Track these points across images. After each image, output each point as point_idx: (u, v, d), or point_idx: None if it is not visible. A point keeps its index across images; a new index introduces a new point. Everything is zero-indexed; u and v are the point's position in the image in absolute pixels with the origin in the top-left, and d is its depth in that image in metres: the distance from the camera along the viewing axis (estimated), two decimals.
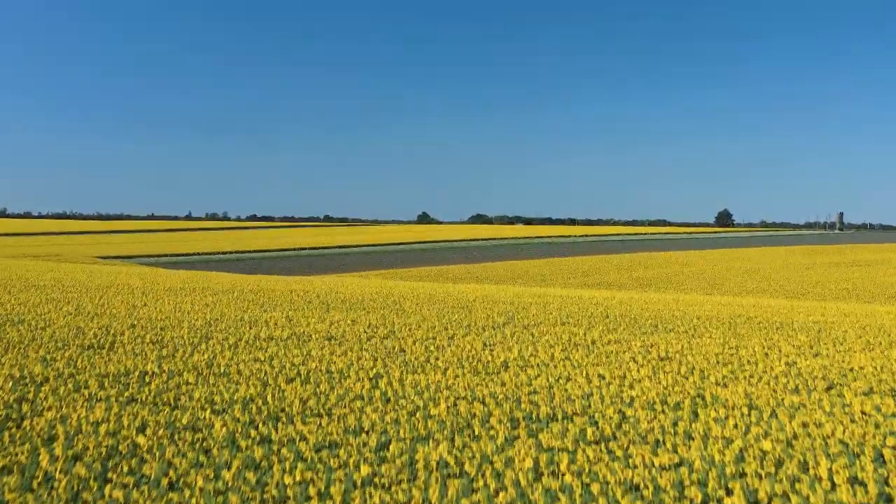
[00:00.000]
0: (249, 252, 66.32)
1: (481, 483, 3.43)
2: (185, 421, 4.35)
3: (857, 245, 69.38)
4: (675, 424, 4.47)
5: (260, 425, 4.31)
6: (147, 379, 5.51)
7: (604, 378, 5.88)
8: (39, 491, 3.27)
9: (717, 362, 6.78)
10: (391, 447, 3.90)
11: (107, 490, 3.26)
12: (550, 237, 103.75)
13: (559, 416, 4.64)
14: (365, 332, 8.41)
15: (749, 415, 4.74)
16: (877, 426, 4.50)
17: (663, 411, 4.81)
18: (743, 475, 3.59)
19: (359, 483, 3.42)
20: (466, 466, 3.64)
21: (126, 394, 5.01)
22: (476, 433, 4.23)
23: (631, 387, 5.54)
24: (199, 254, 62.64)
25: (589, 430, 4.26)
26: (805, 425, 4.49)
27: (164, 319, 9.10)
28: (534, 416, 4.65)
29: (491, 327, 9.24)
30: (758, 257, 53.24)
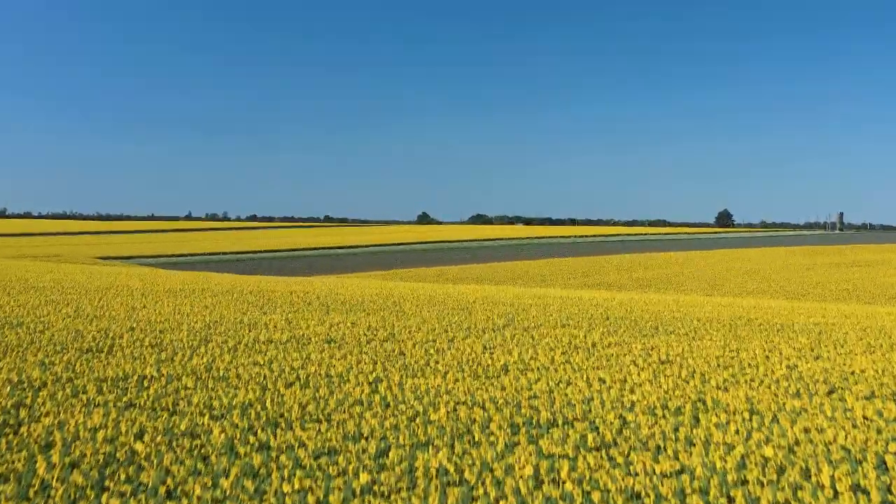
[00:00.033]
0: (249, 252, 66.32)
1: (481, 491, 3.40)
2: (183, 427, 4.32)
3: (857, 245, 69.34)
4: (676, 430, 4.45)
5: (259, 431, 4.28)
6: (145, 383, 5.49)
7: (604, 382, 5.85)
8: (36, 500, 3.24)
9: (718, 365, 6.76)
10: (391, 454, 3.88)
11: (104, 499, 3.24)
12: (550, 237, 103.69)
13: (560, 422, 4.61)
14: (365, 334, 8.38)
15: (750, 420, 4.72)
16: (879, 431, 4.47)
17: (664, 416, 4.78)
18: (745, 483, 3.56)
19: (358, 491, 3.39)
20: (466, 474, 3.61)
21: (124, 399, 4.98)
22: (476, 439, 4.20)
23: (632, 391, 5.52)
24: (199, 254, 62.62)
25: (590, 436, 4.24)
26: (807, 430, 4.47)
27: (163, 322, 9.08)
28: (534, 421, 4.62)
29: (491, 329, 9.22)
30: (758, 258, 53.21)
